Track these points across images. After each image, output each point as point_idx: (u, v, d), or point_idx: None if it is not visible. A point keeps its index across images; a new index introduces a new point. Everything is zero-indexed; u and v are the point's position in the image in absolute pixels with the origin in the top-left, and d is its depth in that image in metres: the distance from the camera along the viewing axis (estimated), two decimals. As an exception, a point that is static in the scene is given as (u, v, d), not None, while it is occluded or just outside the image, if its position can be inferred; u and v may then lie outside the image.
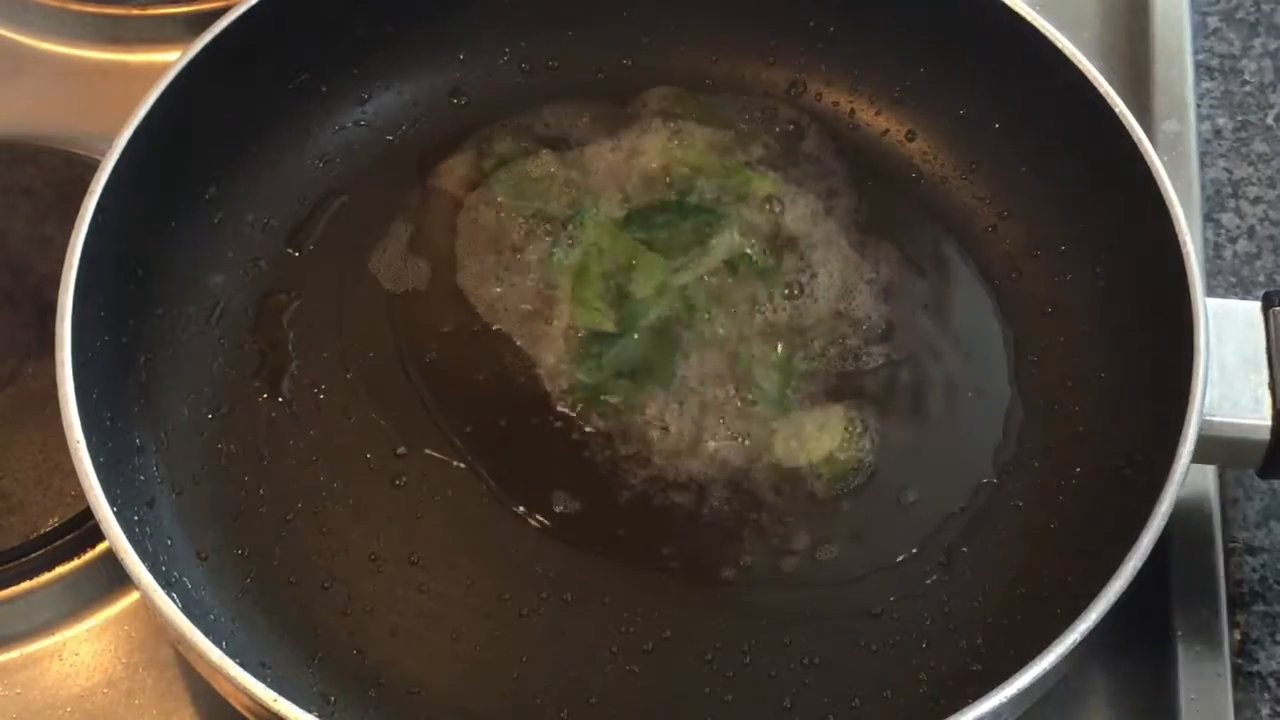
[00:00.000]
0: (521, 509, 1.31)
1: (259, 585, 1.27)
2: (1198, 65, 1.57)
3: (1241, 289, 1.45)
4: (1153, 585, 1.23)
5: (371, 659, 1.24)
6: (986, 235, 1.43)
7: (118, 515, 1.15)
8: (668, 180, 1.46)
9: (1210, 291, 1.42)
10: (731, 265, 1.41)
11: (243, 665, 1.09)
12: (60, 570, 1.31)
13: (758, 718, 1.22)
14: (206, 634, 1.10)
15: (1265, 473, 1.23)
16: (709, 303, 1.39)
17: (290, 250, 1.44)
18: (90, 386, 1.20)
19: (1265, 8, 1.63)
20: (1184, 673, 1.23)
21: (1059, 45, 1.33)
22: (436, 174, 1.48)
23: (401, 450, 1.33)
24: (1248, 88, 1.58)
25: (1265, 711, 1.25)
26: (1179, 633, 1.25)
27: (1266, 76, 1.59)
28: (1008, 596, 1.26)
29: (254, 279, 1.41)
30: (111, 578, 1.31)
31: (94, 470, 1.16)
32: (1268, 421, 1.19)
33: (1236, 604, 1.29)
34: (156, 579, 1.12)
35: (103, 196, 1.26)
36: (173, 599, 1.12)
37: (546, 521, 1.30)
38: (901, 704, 1.22)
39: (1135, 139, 1.27)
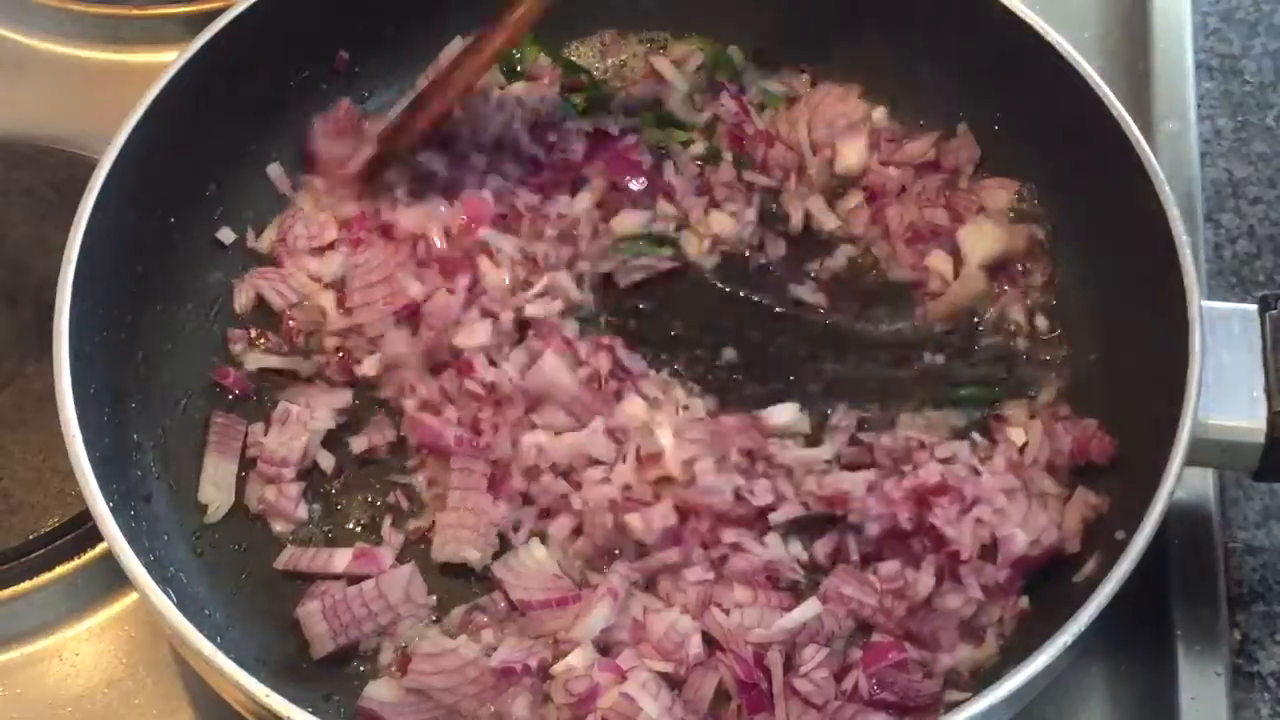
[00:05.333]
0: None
1: (254, 580, 1.27)
2: (1198, 65, 1.57)
3: (1241, 289, 1.45)
4: (1153, 585, 1.23)
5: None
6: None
7: (114, 510, 1.15)
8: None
9: (1211, 292, 1.42)
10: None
11: (237, 661, 1.09)
12: (60, 570, 1.32)
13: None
14: (201, 629, 1.10)
15: (1260, 475, 1.22)
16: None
17: (289, 249, 1.45)
18: (87, 382, 1.20)
19: (1265, 8, 1.63)
20: (1184, 673, 1.23)
21: (1058, 47, 1.33)
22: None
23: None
24: (1248, 88, 1.58)
25: (1265, 711, 1.25)
26: (1179, 633, 1.25)
27: (1266, 76, 1.59)
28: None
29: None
30: (111, 578, 1.31)
31: (90, 465, 1.16)
32: (1263, 425, 1.18)
33: (1236, 604, 1.29)
34: (152, 574, 1.13)
35: (101, 194, 1.26)
36: (168, 594, 1.12)
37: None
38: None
39: (1133, 142, 1.27)
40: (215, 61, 1.35)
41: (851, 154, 1.45)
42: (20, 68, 1.62)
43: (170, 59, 1.35)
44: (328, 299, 1.38)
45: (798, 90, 1.50)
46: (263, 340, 1.37)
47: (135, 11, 1.61)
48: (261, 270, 1.40)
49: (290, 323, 1.37)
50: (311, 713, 1.07)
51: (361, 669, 1.23)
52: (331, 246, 1.40)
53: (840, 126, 1.46)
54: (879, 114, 1.47)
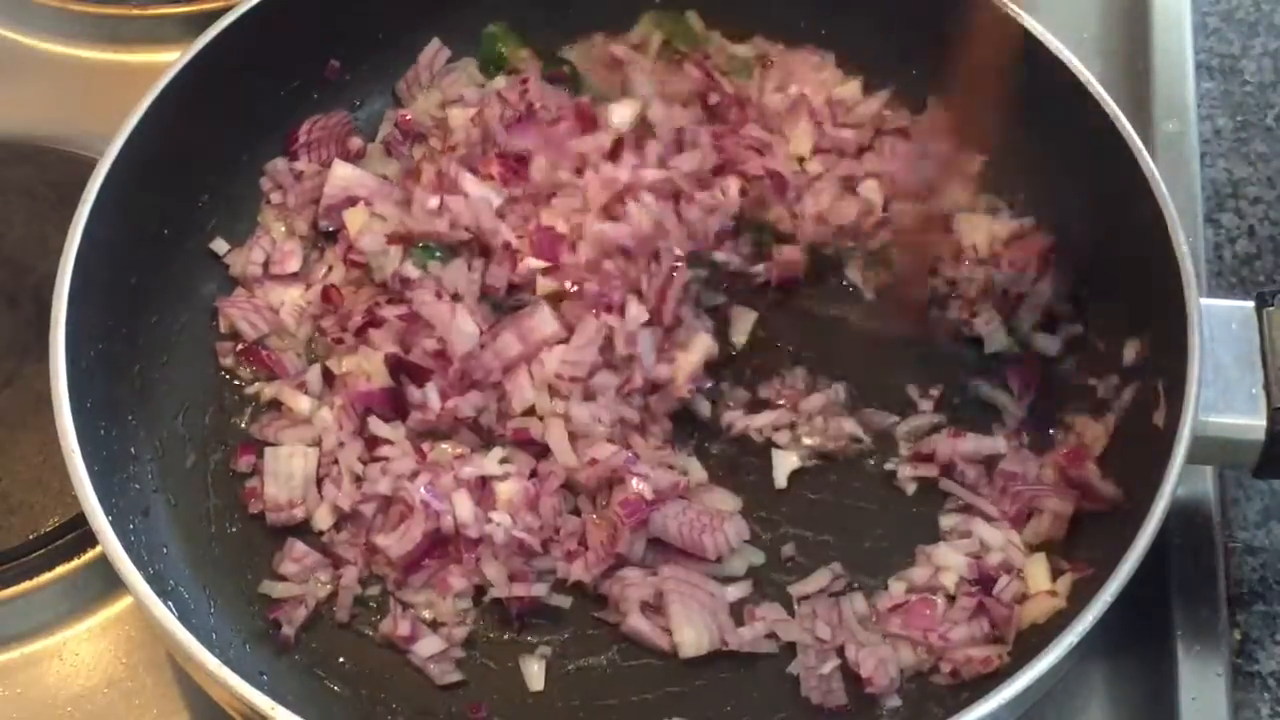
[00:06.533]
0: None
1: (256, 592, 1.27)
2: (1198, 65, 1.57)
3: (1242, 289, 1.45)
4: (1153, 585, 1.23)
5: (369, 668, 1.24)
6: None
7: (113, 524, 1.15)
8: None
9: (1211, 292, 1.42)
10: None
11: (240, 674, 1.09)
12: (60, 570, 1.32)
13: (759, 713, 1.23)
14: (204, 643, 1.10)
15: (1260, 472, 1.22)
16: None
17: (283, 258, 1.44)
18: (85, 395, 1.20)
19: (1265, 8, 1.63)
20: (1184, 673, 1.23)
21: (1054, 49, 1.32)
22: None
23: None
24: (1248, 88, 1.58)
25: (1265, 711, 1.25)
26: (1179, 633, 1.25)
27: (1266, 76, 1.59)
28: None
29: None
30: (111, 578, 1.29)
31: (89, 480, 1.16)
32: (1262, 421, 1.18)
33: (1236, 604, 1.29)
34: (153, 588, 1.13)
35: (98, 198, 1.26)
36: (169, 608, 1.12)
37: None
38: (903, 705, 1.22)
39: (1129, 142, 1.27)
40: (216, 63, 1.35)
41: (799, 138, 1.45)
42: (20, 68, 1.63)
43: (170, 59, 1.35)
44: (293, 320, 1.38)
45: (770, 55, 1.50)
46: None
47: (135, 11, 1.61)
48: (233, 298, 1.39)
49: (263, 351, 1.37)
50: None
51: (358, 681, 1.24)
52: (295, 276, 1.40)
53: (779, 111, 1.46)
54: (852, 89, 1.47)
